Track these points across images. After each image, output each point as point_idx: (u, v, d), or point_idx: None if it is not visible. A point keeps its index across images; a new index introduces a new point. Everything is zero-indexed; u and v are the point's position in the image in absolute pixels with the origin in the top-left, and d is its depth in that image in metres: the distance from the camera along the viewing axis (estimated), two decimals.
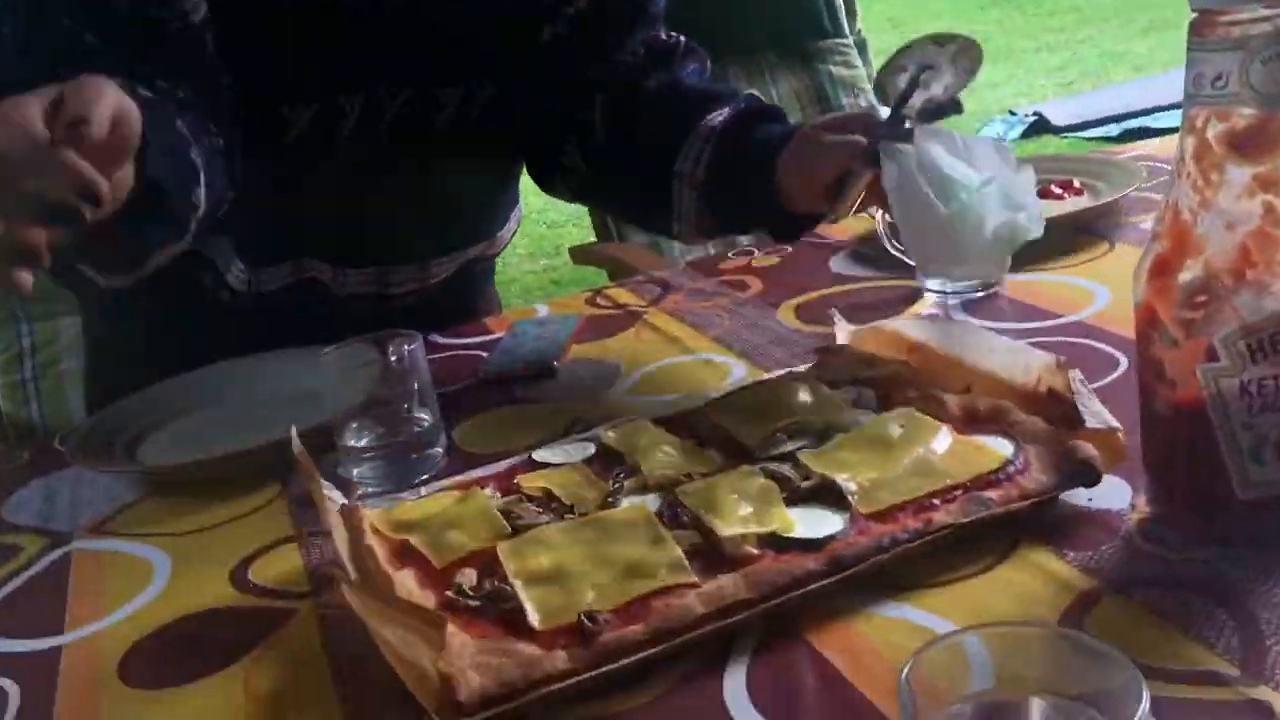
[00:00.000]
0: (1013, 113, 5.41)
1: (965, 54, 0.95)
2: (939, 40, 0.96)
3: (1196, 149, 0.58)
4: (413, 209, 1.17)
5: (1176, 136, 0.61)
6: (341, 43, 1.05)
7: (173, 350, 1.15)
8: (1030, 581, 0.62)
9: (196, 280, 1.16)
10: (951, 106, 0.94)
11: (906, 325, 0.88)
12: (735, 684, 0.58)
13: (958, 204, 0.91)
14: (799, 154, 0.99)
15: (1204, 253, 0.59)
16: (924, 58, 0.95)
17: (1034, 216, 0.95)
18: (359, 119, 1.08)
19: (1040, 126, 5.14)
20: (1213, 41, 0.57)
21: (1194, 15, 0.57)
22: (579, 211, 5.10)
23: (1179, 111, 0.60)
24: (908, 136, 0.93)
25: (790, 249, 1.28)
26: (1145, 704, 0.40)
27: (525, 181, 1.31)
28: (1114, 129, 4.82)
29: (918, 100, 0.95)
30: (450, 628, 0.58)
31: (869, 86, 2.03)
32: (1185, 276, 0.59)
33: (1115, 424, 0.69)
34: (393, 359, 0.87)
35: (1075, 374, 0.72)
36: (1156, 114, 4.84)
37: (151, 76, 0.94)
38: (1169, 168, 1.28)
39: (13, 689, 0.67)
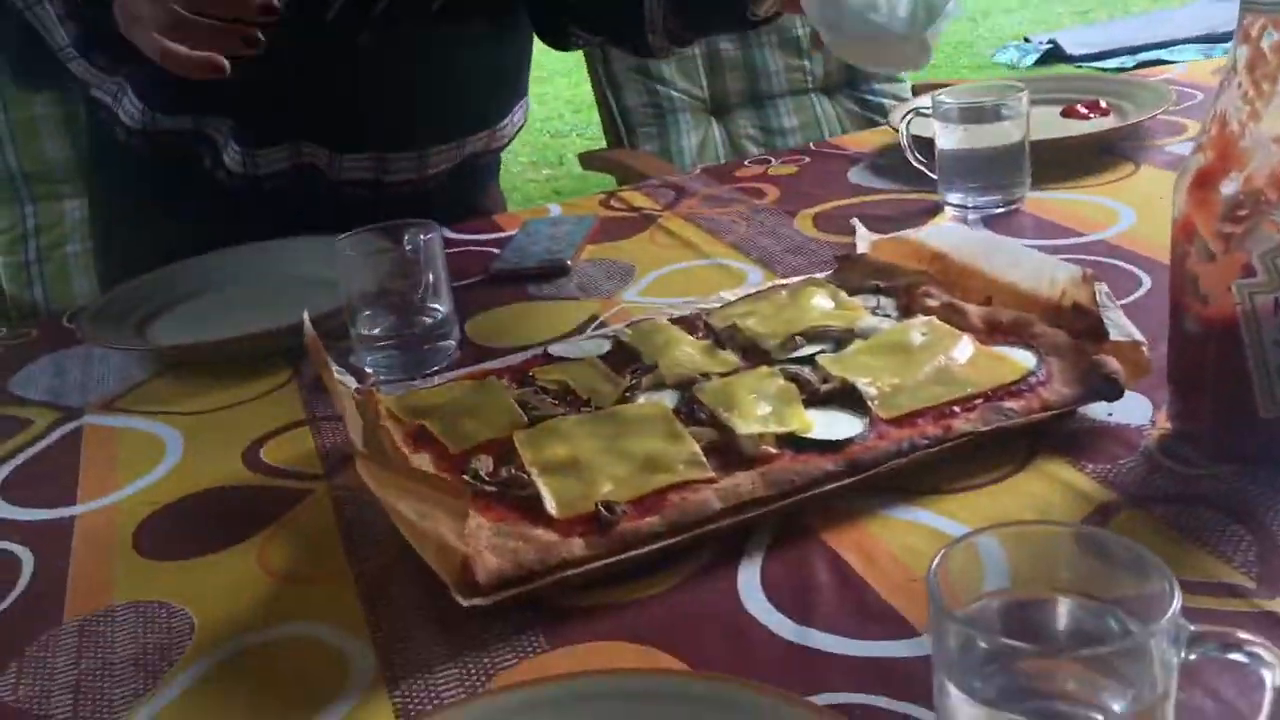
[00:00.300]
0: (1027, 39, 5.33)
1: None
2: None
3: (1250, 58, 0.57)
4: (410, 93, 1.15)
5: (1204, 62, 0.59)
6: None
7: (173, 233, 1.15)
8: (1048, 492, 0.62)
9: (197, 159, 1.15)
10: None
11: (928, 235, 0.87)
12: (749, 577, 0.58)
13: None
14: None
15: (1249, 166, 0.58)
16: None
17: None
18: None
19: (1054, 55, 5.06)
20: None
21: None
22: (583, 121, 5.04)
23: (1197, 46, 0.59)
24: None
25: (808, 159, 1.26)
26: (1177, 603, 0.40)
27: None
28: (1129, 60, 4.74)
29: None
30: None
31: None
32: (1228, 189, 0.58)
33: (1140, 337, 0.68)
34: (408, 248, 0.86)
35: (1101, 287, 0.71)
36: (1173, 47, 4.76)
37: None
38: (1197, 93, 1.26)
39: (26, 555, 0.68)
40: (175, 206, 1.18)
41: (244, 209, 1.15)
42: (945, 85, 1.16)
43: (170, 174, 1.16)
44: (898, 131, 1.11)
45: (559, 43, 1.27)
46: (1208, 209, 0.59)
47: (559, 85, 5.60)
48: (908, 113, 1.11)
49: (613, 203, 1.20)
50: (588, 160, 1.98)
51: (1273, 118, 0.57)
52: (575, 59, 1.94)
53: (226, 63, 0.83)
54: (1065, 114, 1.20)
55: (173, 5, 0.83)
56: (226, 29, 0.83)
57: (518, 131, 1.32)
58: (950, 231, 0.88)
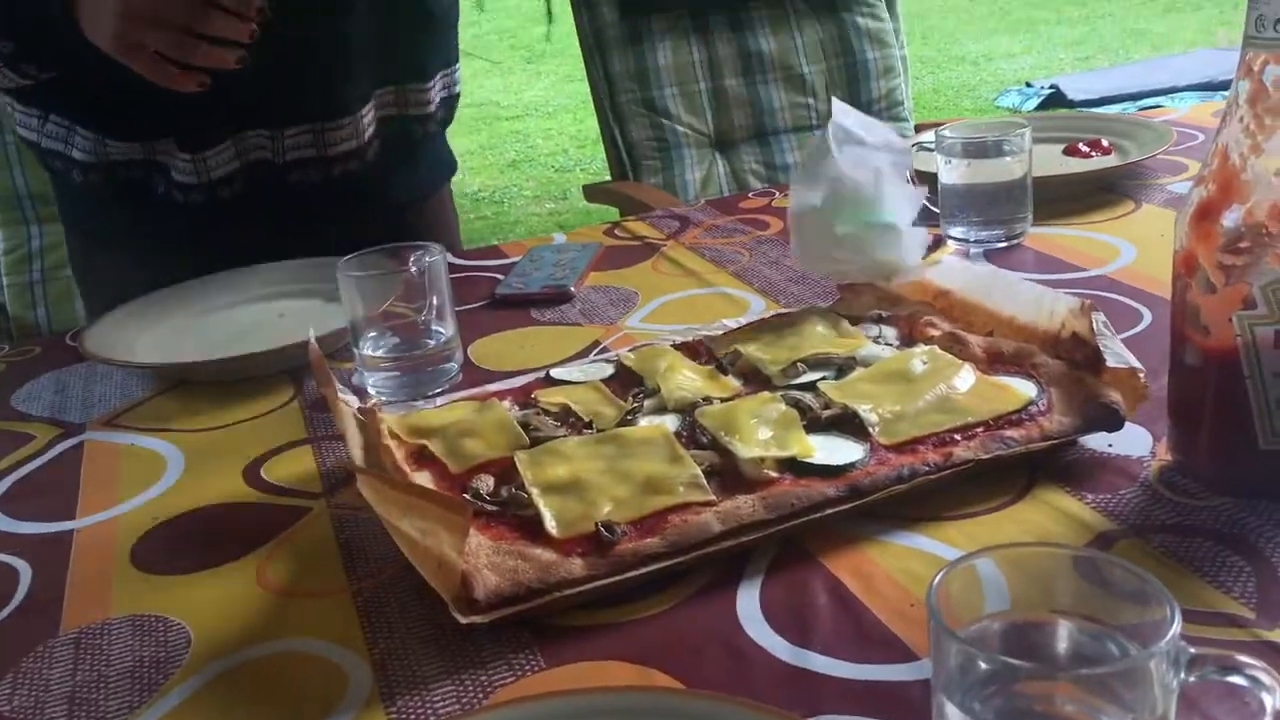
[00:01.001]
0: (1029, 84, 5.37)
1: None
2: None
3: (1252, 92, 0.58)
4: (328, 51, 1.15)
5: (1205, 104, 0.60)
6: None
7: (143, 260, 1.15)
8: (1047, 521, 0.62)
9: (150, 188, 1.15)
10: None
11: (932, 272, 0.88)
12: (749, 599, 0.58)
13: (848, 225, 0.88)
14: None
15: (1250, 199, 0.58)
16: None
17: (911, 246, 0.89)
18: None
19: (1056, 100, 5.10)
20: None
21: None
22: (588, 157, 5.07)
23: (1198, 93, 0.59)
24: None
25: None
26: (1177, 625, 0.40)
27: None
28: (1130, 106, 4.78)
29: None
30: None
31: (893, 42, 2.01)
32: (1229, 221, 0.59)
33: (1137, 364, 0.68)
34: (413, 270, 0.87)
35: (1099, 316, 0.72)
36: (1175, 94, 4.80)
37: None
38: (1198, 134, 1.27)
39: (24, 568, 0.68)
40: (139, 234, 1.18)
41: (204, 224, 1.16)
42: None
43: (128, 206, 1.16)
44: None
45: None
46: (1209, 241, 0.60)
47: (563, 120, 5.64)
48: (911, 145, 1.11)
49: (617, 232, 1.21)
50: (592, 193, 1.99)
51: (1274, 152, 0.57)
52: (583, 95, 1.96)
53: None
54: (1068, 152, 1.21)
55: (174, 32, 0.86)
56: (220, 50, 0.89)
57: (444, 103, 1.29)
58: (953, 268, 0.88)
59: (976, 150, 1.01)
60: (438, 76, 1.25)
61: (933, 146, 1.05)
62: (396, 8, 1.17)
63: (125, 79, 0.91)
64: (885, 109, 1.99)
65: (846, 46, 1.98)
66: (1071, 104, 5.03)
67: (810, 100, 1.98)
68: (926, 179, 1.08)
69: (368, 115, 1.19)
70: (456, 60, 1.29)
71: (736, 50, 1.96)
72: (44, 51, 1.03)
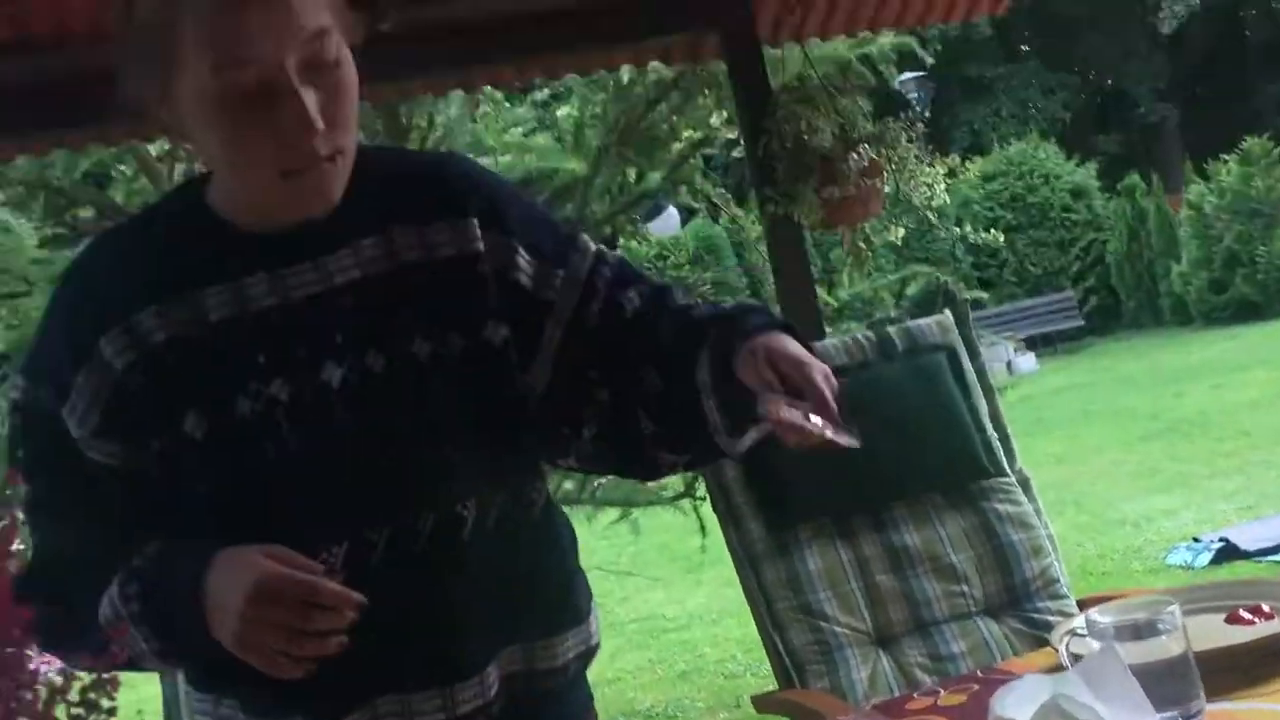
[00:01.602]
0: (1197, 539, 5.25)
1: None
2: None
3: None
4: (457, 614, 1.16)
5: None
6: (365, 479, 1.12)
7: None
8: None
9: None
10: None
11: None
12: None
13: None
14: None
15: None
16: None
17: None
18: (387, 546, 1.12)
19: (1229, 552, 4.96)
20: None
21: None
22: (756, 660, 5.04)
23: None
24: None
25: (978, 686, 1.27)
26: None
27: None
28: None
29: None
30: None
31: (1037, 523, 2.06)
32: None
33: None
34: None
35: None
36: None
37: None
38: None
39: None
40: None
41: None
42: (1114, 597, 1.20)
43: None
44: (1057, 652, 1.13)
45: (552, 455, 1.26)
46: None
47: (728, 625, 5.68)
48: (1064, 634, 1.13)
49: None
50: (761, 704, 2.00)
51: None
52: (741, 601, 2.03)
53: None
54: (1230, 620, 1.21)
55: (285, 632, 0.99)
56: (322, 642, 1.01)
57: (577, 660, 1.25)
58: None
59: (1128, 633, 1.02)
60: (569, 633, 1.23)
61: (1085, 633, 1.07)
62: (515, 561, 1.19)
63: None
64: (1041, 588, 2.00)
65: (991, 533, 2.03)
66: (1246, 555, 4.87)
67: (964, 588, 2.01)
68: None
69: (491, 675, 1.17)
70: (589, 613, 1.27)
71: (883, 548, 2.03)
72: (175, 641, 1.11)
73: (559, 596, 1.25)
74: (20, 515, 1.12)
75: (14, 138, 2.91)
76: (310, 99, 1.02)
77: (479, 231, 1.16)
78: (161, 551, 1.09)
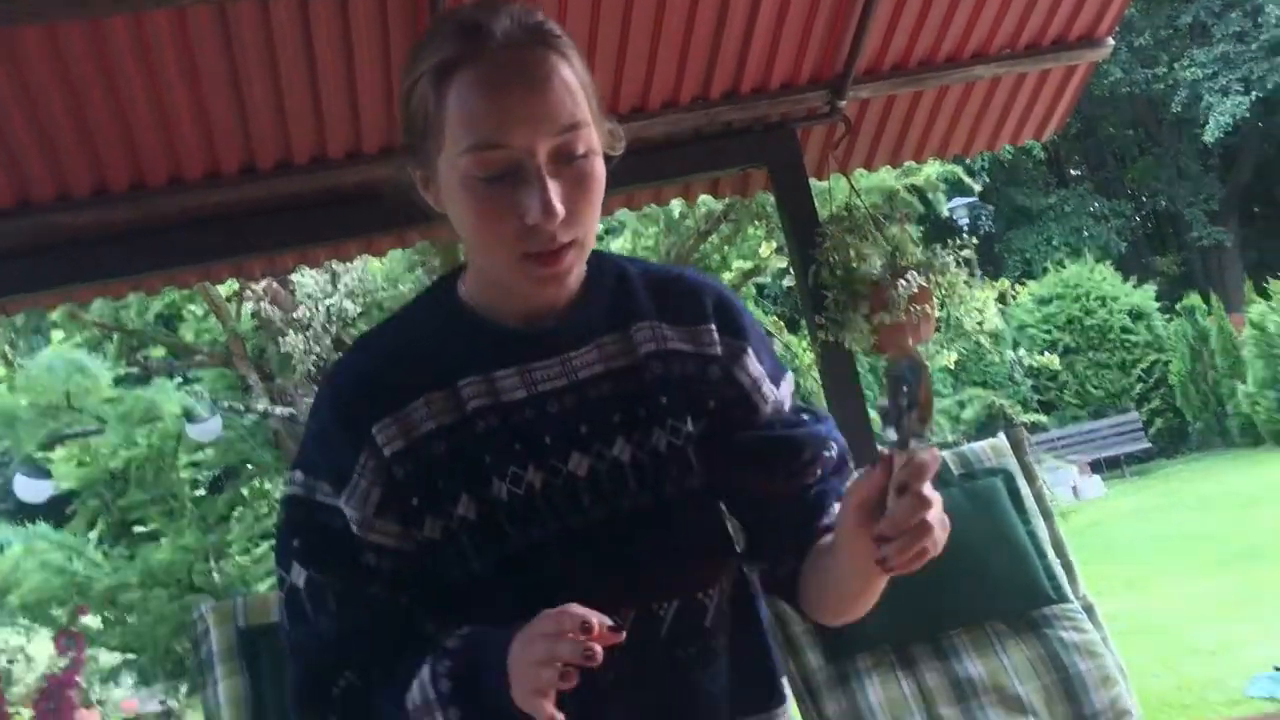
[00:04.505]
0: (1278, 669, 5.04)
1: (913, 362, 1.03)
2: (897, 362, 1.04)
3: None
4: (699, 700, 1.21)
5: None
6: (609, 572, 1.17)
7: None
8: None
9: None
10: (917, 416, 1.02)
11: None
12: None
13: None
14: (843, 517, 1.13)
15: None
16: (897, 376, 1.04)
17: None
18: (633, 628, 1.14)
19: None
20: None
21: None
22: None
23: None
24: (904, 444, 1.03)
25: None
26: None
27: None
28: None
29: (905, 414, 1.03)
30: None
31: (1104, 650, 2.01)
32: None
33: None
34: None
35: None
36: None
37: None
38: None
39: None
40: None
41: None
42: None
43: None
44: None
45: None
46: None
47: None
48: None
49: None
50: None
51: None
52: None
53: None
54: None
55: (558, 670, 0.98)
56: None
57: None
58: None
59: None
60: (779, 709, 1.30)
61: None
62: (750, 646, 1.27)
63: None
64: (1113, 719, 1.94)
65: (1057, 662, 1.98)
66: None
67: (1031, 719, 1.95)
68: None
69: None
70: (786, 691, 1.34)
71: (946, 678, 1.98)
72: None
73: (769, 675, 1.31)
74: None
75: (93, 281, 3.03)
76: (554, 187, 1.08)
77: (717, 335, 1.23)
78: (473, 631, 1.11)
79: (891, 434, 1.04)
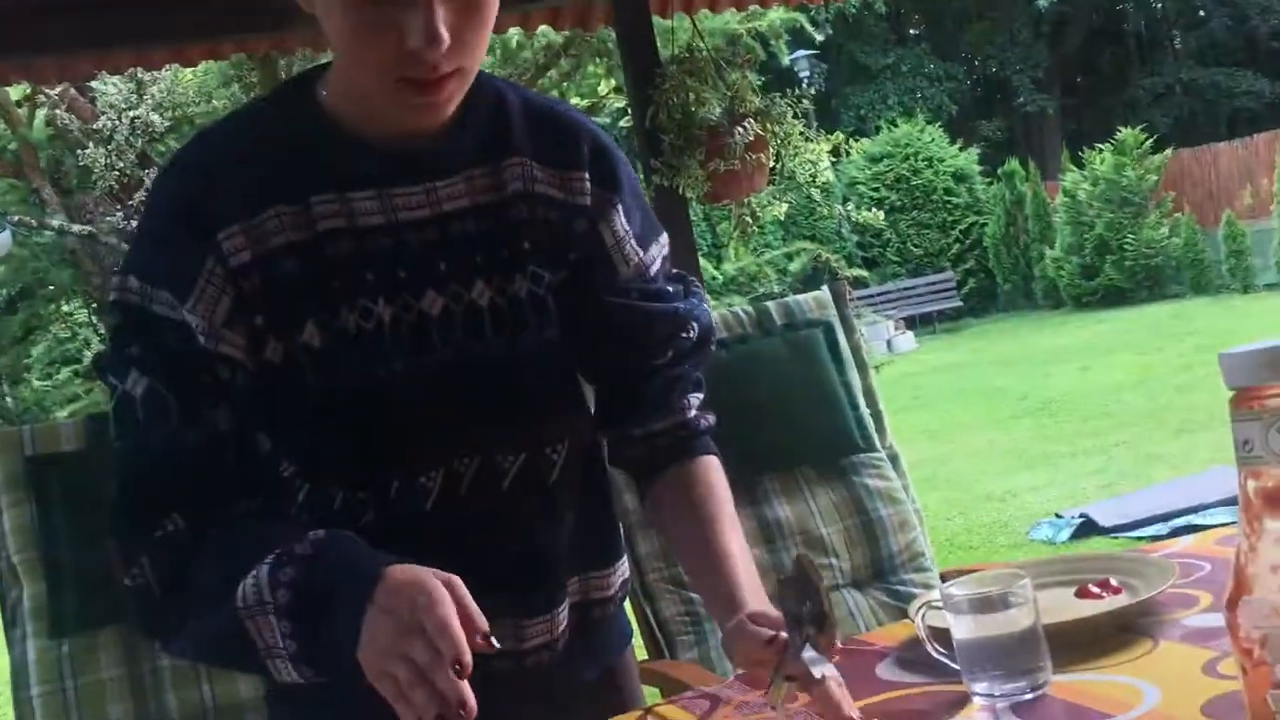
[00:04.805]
0: (1059, 515, 5.45)
1: (815, 573, 1.04)
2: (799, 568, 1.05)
3: (1244, 503, 0.67)
4: (536, 555, 1.20)
5: (1210, 533, 0.71)
6: (457, 411, 1.13)
7: None
8: None
9: None
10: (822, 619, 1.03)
11: None
12: None
13: None
14: (729, 643, 1.13)
15: (1254, 591, 0.67)
16: (799, 582, 1.04)
17: None
18: (474, 479, 1.14)
19: (1088, 528, 5.16)
20: (1243, 413, 0.68)
21: (1231, 392, 0.68)
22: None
23: (1229, 508, 0.71)
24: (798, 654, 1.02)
25: (837, 658, 1.28)
26: None
27: None
28: (1163, 528, 4.82)
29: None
30: None
31: (905, 497, 2.10)
32: (1243, 612, 0.67)
33: None
34: None
35: None
36: (1204, 510, 4.86)
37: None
38: (1205, 564, 1.31)
39: None
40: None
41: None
42: (977, 569, 1.22)
43: (327, 683, 1.07)
44: (915, 625, 1.14)
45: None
46: (1234, 629, 0.68)
47: None
48: (921, 606, 1.15)
49: (649, 718, 1.21)
50: None
51: (1265, 551, 0.67)
52: None
53: None
54: (1079, 594, 1.24)
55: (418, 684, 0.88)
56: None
57: (623, 586, 1.32)
58: None
59: (982, 605, 1.04)
60: (617, 564, 1.31)
61: (941, 605, 1.08)
62: (586, 504, 1.25)
63: None
64: (907, 561, 2.04)
65: (860, 507, 2.06)
66: (1104, 531, 5.08)
67: (833, 560, 2.03)
68: (942, 635, 1.10)
69: (561, 613, 1.23)
70: (622, 550, 1.34)
71: (756, 522, 2.05)
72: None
73: (610, 531, 1.31)
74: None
75: None
76: (442, 11, 1.00)
77: (588, 184, 1.18)
78: (329, 542, 1.00)
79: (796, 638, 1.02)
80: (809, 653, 1.00)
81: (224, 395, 1.07)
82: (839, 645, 1.04)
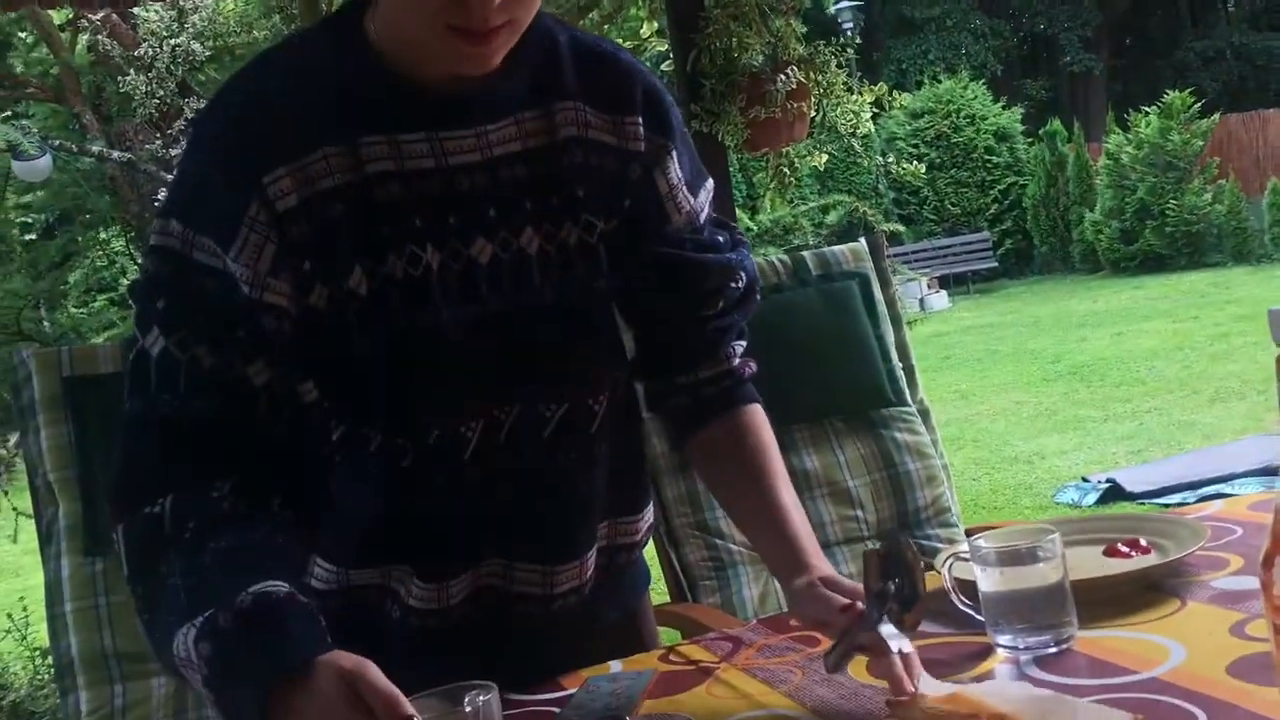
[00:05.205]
0: (1085, 480, 5.43)
1: (912, 554, 1.02)
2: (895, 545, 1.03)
3: None
4: (573, 504, 1.20)
5: (1242, 498, 0.70)
6: (498, 367, 1.12)
7: None
8: None
9: (383, 613, 1.17)
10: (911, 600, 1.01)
11: (988, 687, 0.88)
12: None
13: None
14: (795, 600, 1.12)
15: None
16: (890, 559, 1.03)
17: None
18: (516, 427, 1.14)
19: (1114, 493, 5.13)
20: None
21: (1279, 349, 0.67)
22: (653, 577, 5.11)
23: (1258, 479, 0.69)
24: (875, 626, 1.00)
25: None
26: None
27: None
28: (1190, 495, 4.79)
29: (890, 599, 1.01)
30: None
31: (933, 453, 2.09)
32: (1279, 570, 0.68)
33: None
34: (467, 708, 0.89)
35: None
36: (1234, 480, 4.82)
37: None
38: (1237, 528, 1.30)
39: None
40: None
41: (423, 649, 1.16)
42: (1000, 527, 1.21)
43: (360, 626, 1.12)
44: (942, 575, 1.14)
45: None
46: (1267, 588, 0.69)
47: None
48: (948, 557, 1.15)
49: (671, 657, 1.22)
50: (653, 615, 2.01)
51: None
52: None
53: None
54: (1108, 553, 1.24)
55: None
56: None
57: (648, 531, 1.34)
58: (1009, 687, 0.89)
59: (1010, 558, 1.04)
60: (646, 509, 1.32)
61: (969, 557, 1.08)
62: (628, 451, 1.26)
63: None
64: (933, 516, 2.04)
65: (888, 460, 2.06)
66: (1131, 497, 5.05)
67: (859, 513, 2.04)
68: (969, 587, 1.10)
69: (590, 560, 1.23)
70: (649, 493, 1.36)
71: None
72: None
73: (641, 478, 1.33)
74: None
75: None
76: None
77: (642, 130, 1.16)
78: (249, 622, 0.95)
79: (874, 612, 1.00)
80: (887, 627, 0.99)
81: (260, 349, 1.05)
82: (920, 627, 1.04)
